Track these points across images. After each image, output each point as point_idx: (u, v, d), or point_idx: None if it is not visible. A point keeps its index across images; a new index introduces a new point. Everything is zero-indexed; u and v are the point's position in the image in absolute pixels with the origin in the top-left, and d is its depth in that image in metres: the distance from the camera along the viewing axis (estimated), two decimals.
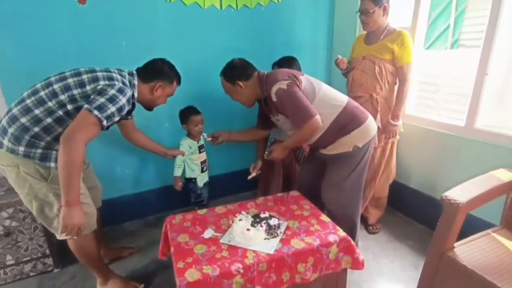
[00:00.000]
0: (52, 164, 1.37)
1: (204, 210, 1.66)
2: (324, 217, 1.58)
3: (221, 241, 1.40)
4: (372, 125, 1.67)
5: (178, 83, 1.68)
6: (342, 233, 1.45)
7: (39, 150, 1.34)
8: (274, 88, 1.55)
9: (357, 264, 1.45)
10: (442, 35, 3.57)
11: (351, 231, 1.72)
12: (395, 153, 2.10)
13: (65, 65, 1.80)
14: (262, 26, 2.40)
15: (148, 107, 1.67)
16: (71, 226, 1.28)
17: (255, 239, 1.37)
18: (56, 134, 1.35)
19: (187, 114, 2.05)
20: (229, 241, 1.39)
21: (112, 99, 1.32)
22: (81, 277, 1.80)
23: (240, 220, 1.46)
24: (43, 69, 1.55)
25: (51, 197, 1.38)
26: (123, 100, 1.35)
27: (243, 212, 1.59)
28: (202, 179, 2.17)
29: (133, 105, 1.55)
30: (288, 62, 2.06)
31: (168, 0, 2.03)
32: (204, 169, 2.19)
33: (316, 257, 1.38)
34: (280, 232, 1.44)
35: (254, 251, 1.32)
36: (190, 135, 2.10)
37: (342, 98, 1.66)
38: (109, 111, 1.30)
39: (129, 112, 1.58)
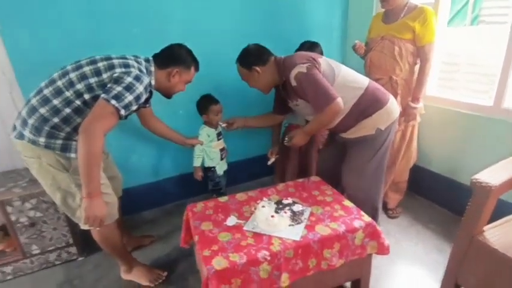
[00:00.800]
0: (73, 155, 1.36)
1: (225, 198, 1.65)
2: (347, 202, 1.56)
3: (245, 228, 1.39)
4: (394, 106, 1.62)
5: (196, 69, 1.64)
6: (366, 218, 1.43)
7: (59, 141, 1.33)
8: (294, 72, 1.51)
9: (383, 249, 1.43)
10: (461, 11, 3.42)
11: (373, 216, 1.68)
12: (416, 137, 2.04)
13: (78, 52, 1.77)
14: (277, 9, 2.32)
15: (167, 94, 1.64)
16: (92, 217, 1.28)
17: (279, 225, 1.36)
18: (75, 124, 1.34)
19: (206, 104, 2.00)
20: (253, 228, 1.38)
21: (129, 88, 1.29)
22: (106, 265, 1.83)
23: (263, 207, 1.44)
24: (57, 58, 1.54)
25: (73, 188, 1.38)
26: (140, 88, 1.32)
27: (264, 199, 1.58)
28: (221, 167, 2.16)
29: (151, 93, 1.52)
30: (310, 48, 2.00)
31: None
32: (223, 156, 2.17)
33: (342, 242, 1.36)
34: (304, 218, 1.43)
35: (280, 238, 1.31)
36: (207, 123, 2.06)
37: (363, 80, 1.61)
38: (126, 100, 1.28)
39: (147, 100, 1.55)
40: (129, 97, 1.29)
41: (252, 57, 1.63)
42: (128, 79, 1.30)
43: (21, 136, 1.33)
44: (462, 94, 2.15)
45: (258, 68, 1.62)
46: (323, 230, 1.36)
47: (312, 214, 1.47)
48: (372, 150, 1.64)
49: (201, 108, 2.03)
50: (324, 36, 2.61)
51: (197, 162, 2.05)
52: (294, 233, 1.34)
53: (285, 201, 1.49)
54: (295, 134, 1.66)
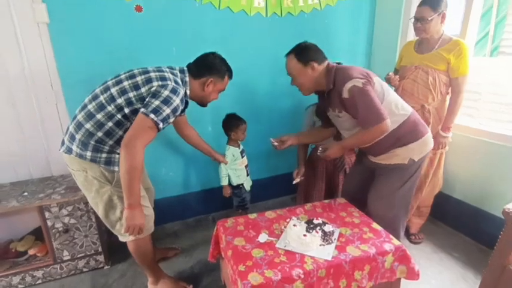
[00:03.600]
0: (116, 168, 1.43)
1: (254, 215, 1.69)
2: (376, 225, 1.58)
3: (277, 246, 1.42)
4: (430, 139, 1.63)
5: (230, 77, 1.65)
6: (396, 242, 1.45)
7: (104, 155, 1.40)
8: (349, 85, 1.47)
9: (412, 274, 1.44)
10: (481, 41, 3.47)
11: (394, 232, 1.66)
12: (443, 164, 2.06)
13: (119, 68, 1.89)
14: (305, 32, 2.41)
15: (201, 103, 1.66)
16: (133, 227, 1.34)
17: (311, 244, 1.39)
18: (117, 137, 1.41)
19: (234, 122, 2.06)
20: (285, 246, 1.41)
21: (166, 101, 1.33)
22: (131, 275, 1.86)
23: (294, 226, 1.48)
24: (100, 73, 1.61)
25: (115, 200, 1.44)
26: (177, 101, 1.36)
27: (293, 218, 1.61)
28: (248, 183, 2.21)
29: (187, 103, 1.55)
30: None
31: (217, 8, 2.08)
32: (248, 172, 2.22)
33: (372, 265, 1.38)
34: (334, 239, 1.45)
35: (312, 257, 1.34)
36: (231, 141, 2.11)
37: (407, 108, 1.61)
38: (164, 114, 1.32)
39: (183, 110, 1.60)
40: (167, 110, 1.33)
41: (311, 52, 1.57)
42: (165, 92, 1.33)
43: (69, 150, 1.40)
44: (485, 124, 2.17)
45: (315, 65, 1.55)
46: (354, 251, 1.38)
47: (341, 235, 1.50)
48: (401, 180, 1.64)
49: (228, 127, 2.08)
50: (348, 60, 2.69)
51: (224, 181, 2.11)
52: (326, 253, 1.36)
53: (315, 221, 1.51)
54: (331, 146, 1.63)
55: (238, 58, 2.25)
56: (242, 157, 2.17)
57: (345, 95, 1.49)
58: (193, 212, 2.49)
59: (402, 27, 2.46)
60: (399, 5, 2.43)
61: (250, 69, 2.32)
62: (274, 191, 2.69)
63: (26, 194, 1.71)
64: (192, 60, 2.14)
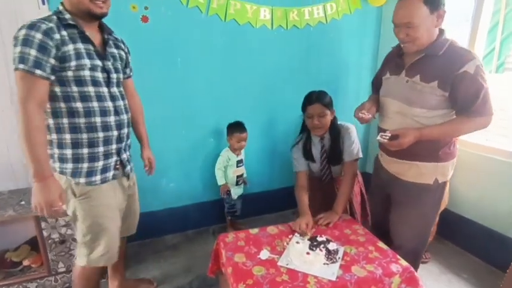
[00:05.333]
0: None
1: (256, 230, 1.64)
2: (381, 244, 1.52)
3: (279, 264, 1.36)
4: (454, 165, 1.51)
5: None
6: (404, 263, 1.39)
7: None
8: (476, 62, 1.25)
9: None
10: (487, 57, 3.46)
11: (413, 264, 1.53)
12: (448, 182, 2.01)
13: None
14: (310, 46, 2.42)
15: (88, 12, 1.19)
16: (43, 203, 1.14)
17: (314, 263, 1.34)
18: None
19: (233, 129, 2.12)
20: (287, 264, 1.36)
21: (25, 41, 1.07)
22: None
23: (297, 243, 1.43)
24: None
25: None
26: (37, 35, 1.08)
27: (296, 234, 1.56)
28: (236, 192, 2.27)
29: (69, 27, 1.17)
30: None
31: (223, 20, 2.08)
32: (239, 182, 2.26)
33: (378, 286, 1.31)
34: (339, 258, 1.40)
35: (315, 277, 1.28)
36: (231, 148, 2.17)
37: None
38: (31, 57, 1.07)
39: (75, 42, 1.18)
40: (32, 51, 1.07)
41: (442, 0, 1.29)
42: (21, 33, 1.08)
43: None
44: (493, 140, 2.13)
45: (442, 13, 1.29)
46: (359, 271, 1.32)
47: (345, 253, 1.44)
48: (427, 205, 1.51)
49: (228, 131, 2.15)
50: (353, 75, 2.69)
51: (221, 181, 2.20)
52: (330, 272, 1.31)
53: (319, 239, 1.46)
54: (406, 134, 1.32)
55: (243, 69, 2.26)
56: (238, 167, 2.20)
57: (470, 69, 1.24)
58: (194, 224, 2.43)
59: None
60: None
61: (256, 81, 2.31)
62: (276, 204, 2.64)
63: (23, 202, 1.68)
64: (196, 71, 2.15)
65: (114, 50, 1.35)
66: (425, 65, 1.35)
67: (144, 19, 1.90)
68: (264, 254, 1.42)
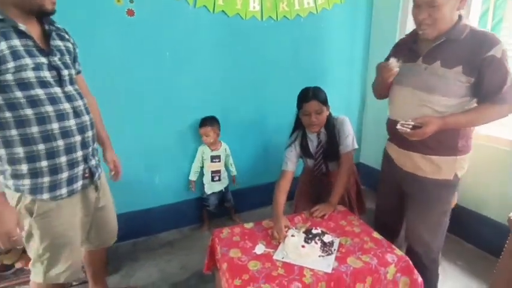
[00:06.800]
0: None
1: (251, 224, 1.63)
2: (376, 234, 1.52)
3: (274, 257, 1.36)
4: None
5: None
6: (399, 252, 1.39)
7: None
8: (502, 46, 1.18)
9: (416, 286, 1.38)
10: None
11: (431, 270, 1.53)
12: None
13: (110, 74, 1.83)
14: (301, 37, 2.39)
15: (33, 6, 1.04)
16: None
17: (310, 256, 1.33)
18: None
19: (201, 122, 2.15)
20: (283, 258, 1.35)
21: None
22: None
23: (292, 236, 1.42)
24: (90, 79, 1.49)
25: None
26: None
27: (291, 227, 1.55)
28: (211, 187, 2.27)
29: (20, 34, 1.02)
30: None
31: (211, 11, 2.04)
32: (215, 179, 2.25)
33: (374, 277, 1.31)
34: (334, 249, 1.39)
35: (311, 269, 1.28)
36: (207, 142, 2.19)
37: None
38: None
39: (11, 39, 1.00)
40: None
41: None
42: None
43: None
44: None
45: None
46: (355, 262, 1.32)
47: (341, 245, 1.44)
48: (446, 202, 1.44)
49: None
50: (344, 66, 2.67)
51: (192, 177, 2.26)
52: (325, 264, 1.30)
53: (314, 231, 1.45)
54: (430, 122, 1.22)
55: (232, 62, 2.22)
56: (212, 161, 2.21)
57: (497, 53, 1.18)
58: (189, 220, 2.41)
59: (399, 32, 2.43)
60: (396, 9, 2.41)
61: (245, 73, 2.28)
62: (270, 197, 2.63)
63: None
64: (184, 65, 2.10)
65: (60, 43, 1.17)
66: (446, 50, 1.25)
67: (130, 13, 1.85)
68: (260, 249, 1.41)
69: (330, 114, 1.73)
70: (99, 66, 1.85)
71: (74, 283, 1.80)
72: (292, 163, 1.75)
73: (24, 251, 1.80)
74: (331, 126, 1.72)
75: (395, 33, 2.45)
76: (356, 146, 1.74)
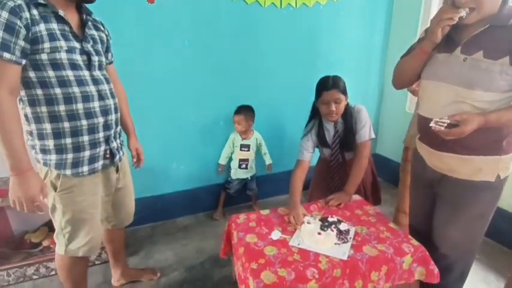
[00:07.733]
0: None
1: (267, 211, 1.65)
2: (393, 224, 1.52)
3: (290, 244, 1.38)
4: None
5: None
6: (415, 243, 1.39)
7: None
8: None
9: (431, 277, 1.38)
10: None
11: (457, 281, 1.46)
12: None
13: (130, 62, 1.86)
14: (320, 24, 2.35)
15: None
16: (23, 198, 1.07)
17: (325, 243, 1.35)
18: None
19: (235, 110, 2.19)
20: (298, 244, 1.37)
21: None
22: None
23: (308, 223, 1.44)
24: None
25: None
26: (3, 14, 0.98)
27: (308, 215, 1.57)
28: (236, 173, 2.35)
29: (40, 6, 1.06)
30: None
31: None
32: (242, 166, 2.30)
33: (389, 265, 1.32)
34: (350, 238, 1.40)
35: (327, 256, 1.30)
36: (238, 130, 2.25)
37: None
38: None
39: (49, 22, 1.08)
40: None
41: None
42: None
43: None
44: None
45: None
46: (370, 251, 1.33)
47: (356, 234, 1.45)
48: (485, 204, 1.28)
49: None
50: (363, 55, 2.62)
51: (220, 160, 2.33)
52: (341, 252, 1.32)
53: (330, 219, 1.47)
54: (471, 119, 1.07)
55: (252, 51, 2.22)
56: (241, 150, 2.26)
57: None
58: (205, 206, 2.47)
59: (422, 21, 2.36)
60: None
61: (264, 61, 2.27)
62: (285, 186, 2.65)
63: None
64: (203, 53, 2.12)
65: (94, 32, 1.25)
66: (489, 38, 1.08)
67: (150, 0, 1.86)
68: (276, 235, 1.44)
69: (347, 103, 1.71)
70: (119, 53, 1.87)
71: (97, 262, 1.88)
72: (308, 152, 1.75)
73: (50, 230, 1.90)
74: (349, 116, 1.71)
75: (418, 23, 2.38)
76: (373, 136, 1.72)
